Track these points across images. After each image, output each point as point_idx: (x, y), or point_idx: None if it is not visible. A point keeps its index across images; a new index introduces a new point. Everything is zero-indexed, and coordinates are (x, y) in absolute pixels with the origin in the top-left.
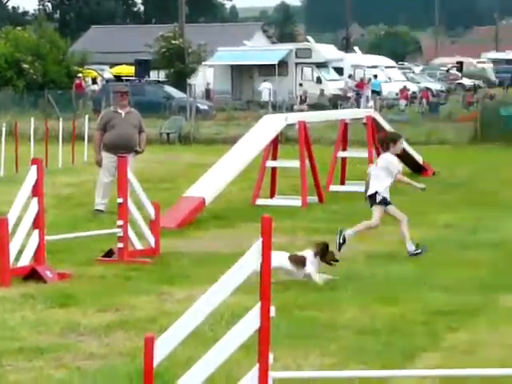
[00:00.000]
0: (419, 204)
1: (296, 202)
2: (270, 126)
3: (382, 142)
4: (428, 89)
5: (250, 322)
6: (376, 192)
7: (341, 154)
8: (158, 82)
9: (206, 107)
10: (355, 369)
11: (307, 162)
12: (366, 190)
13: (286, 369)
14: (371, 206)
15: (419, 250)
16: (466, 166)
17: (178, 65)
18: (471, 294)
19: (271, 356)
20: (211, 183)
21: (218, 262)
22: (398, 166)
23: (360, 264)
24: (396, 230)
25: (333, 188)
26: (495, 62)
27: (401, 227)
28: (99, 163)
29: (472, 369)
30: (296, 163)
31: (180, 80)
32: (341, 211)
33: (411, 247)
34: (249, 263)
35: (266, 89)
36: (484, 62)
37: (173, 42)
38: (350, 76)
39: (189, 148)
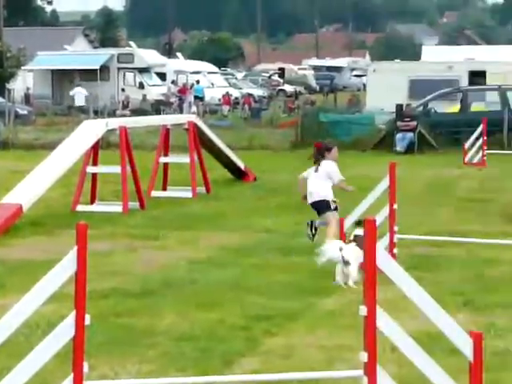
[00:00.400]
0: (240, 209)
1: (117, 207)
2: (90, 131)
3: (319, 150)
4: (250, 95)
5: (64, 331)
6: (326, 200)
7: (162, 159)
8: None
9: (25, 112)
10: (174, 375)
11: (128, 167)
12: (305, 196)
13: (104, 377)
14: (320, 212)
15: None
16: (286, 171)
17: None
18: (290, 298)
19: (86, 365)
20: (29, 189)
21: (35, 270)
22: (339, 173)
23: (180, 270)
24: (214, 236)
25: (154, 194)
26: (316, 68)
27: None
28: None
29: (289, 373)
30: (117, 169)
31: None
32: (162, 217)
33: None
34: (63, 271)
35: (78, 93)
36: (305, 69)
37: None
38: (172, 81)
39: (7, 154)
